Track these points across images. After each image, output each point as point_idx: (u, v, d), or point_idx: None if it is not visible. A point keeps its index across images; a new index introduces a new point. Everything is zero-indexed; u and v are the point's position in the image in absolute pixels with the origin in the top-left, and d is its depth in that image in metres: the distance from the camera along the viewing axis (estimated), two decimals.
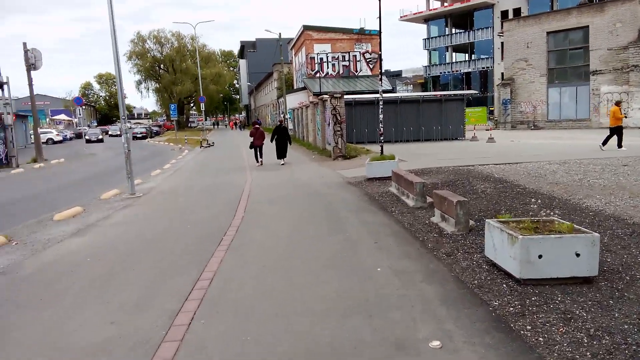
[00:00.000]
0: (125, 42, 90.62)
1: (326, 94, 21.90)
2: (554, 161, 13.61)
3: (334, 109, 18.65)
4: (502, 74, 56.26)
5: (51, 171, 20.94)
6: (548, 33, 38.91)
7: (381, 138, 16.32)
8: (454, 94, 31.22)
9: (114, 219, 9.17)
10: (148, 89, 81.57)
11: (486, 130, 33.20)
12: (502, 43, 56.55)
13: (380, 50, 15.88)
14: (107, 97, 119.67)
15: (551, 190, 9.20)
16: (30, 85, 25.09)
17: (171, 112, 34.77)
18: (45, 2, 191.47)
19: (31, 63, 24.86)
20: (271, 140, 18.44)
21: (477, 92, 42.78)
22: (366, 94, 36.84)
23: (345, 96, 21.13)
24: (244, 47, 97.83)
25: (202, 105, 41.47)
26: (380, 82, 16.68)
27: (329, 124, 21.62)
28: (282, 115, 36.76)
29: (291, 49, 59.90)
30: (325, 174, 14.61)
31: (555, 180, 10.45)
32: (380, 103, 16.40)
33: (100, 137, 50.37)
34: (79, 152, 29.58)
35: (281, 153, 18.27)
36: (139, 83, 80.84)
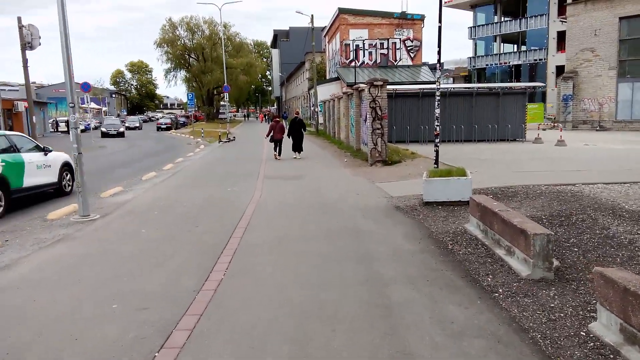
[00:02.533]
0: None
1: (363, 83, 17.98)
2: None
3: (373, 100, 14.70)
4: (557, 67, 50.82)
5: None
6: (621, 19, 33.59)
7: (437, 141, 12.29)
8: (515, 87, 26.69)
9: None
10: (176, 78, 79.11)
11: (542, 129, 28.59)
12: (557, 32, 51.12)
13: (440, 31, 11.83)
14: (138, 86, 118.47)
15: None
16: (25, 67, 22.09)
17: (188, 102, 31.51)
18: None
19: (27, 42, 21.81)
20: (288, 135, 18.43)
21: (543, 84, 37.61)
22: (406, 86, 32.69)
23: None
24: (277, 36, 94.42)
25: (226, 95, 38.14)
26: (438, 68, 12.62)
27: (365, 120, 17.67)
28: (298, 109, 33.03)
29: (324, 36, 55.89)
30: (362, 189, 10.71)
31: None
32: (437, 95, 12.36)
33: (121, 129, 41.76)
34: (86, 145, 26.63)
35: (296, 146, 18.13)
36: (168, 71, 78.42)
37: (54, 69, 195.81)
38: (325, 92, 39.59)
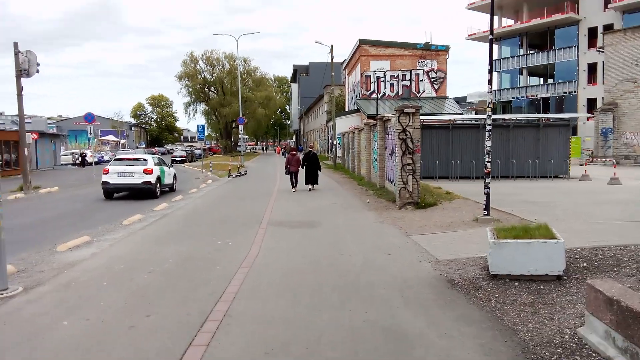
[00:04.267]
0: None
1: (391, 113, 15.63)
2: None
3: (403, 131, 12.20)
4: (588, 100, 47.96)
5: (20, 205, 15.62)
6: None
7: (487, 181, 9.65)
8: (558, 118, 23.95)
9: None
10: (196, 112, 78.28)
11: (579, 165, 25.62)
12: (588, 65, 48.51)
13: (492, 44, 9.58)
14: (158, 119, 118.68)
15: None
16: (20, 96, 20.28)
17: (198, 134, 29.53)
18: (119, 30, 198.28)
19: (23, 69, 20.08)
20: (301, 167, 18.67)
21: (590, 115, 34.66)
22: (433, 116, 30.35)
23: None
24: (297, 71, 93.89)
25: (241, 128, 36.19)
26: (489, 91, 10.10)
27: (391, 154, 15.17)
28: (313, 143, 30.91)
29: (344, 69, 54.27)
30: (394, 246, 8.06)
31: None
32: (487, 124, 9.81)
33: None
34: (90, 179, 24.62)
35: (310, 179, 18.37)
36: (187, 105, 77.74)
37: (84, 103, 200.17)
38: (344, 124, 37.38)
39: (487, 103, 9.93)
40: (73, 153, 47.16)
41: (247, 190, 19.59)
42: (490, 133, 9.79)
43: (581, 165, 24.53)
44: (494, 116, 37.79)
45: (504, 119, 25.76)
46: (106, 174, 16.58)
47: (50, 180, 26.19)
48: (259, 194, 17.58)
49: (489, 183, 9.79)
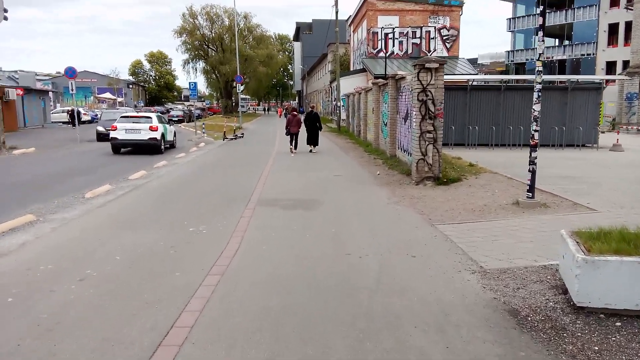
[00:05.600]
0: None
1: (408, 68, 13.44)
2: None
3: (423, 90, 10.07)
4: (607, 62, 45.02)
5: None
6: None
7: (534, 155, 7.64)
8: (587, 80, 21.59)
9: None
10: (196, 70, 75.02)
11: (602, 132, 23.37)
12: (609, 25, 45.30)
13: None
14: (156, 77, 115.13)
15: None
16: None
17: (191, 91, 27.27)
18: None
19: None
20: (303, 126, 18.29)
21: (625, 75, 31.76)
22: (451, 76, 27.91)
23: None
24: (299, 29, 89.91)
25: (238, 86, 33.83)
26: (540, 38, 7.96)
27: (404, 119, 13.08)
28: (315, 103, 28.69)
29: (349, 26, 51.12)
30: (417, 241, 6.12)
31: None
32: (537, 81, 7.72)
33: None
34: (73, 139, 22.60)
35: (311, 139, 18.04)
36: (186, 62, 74.42)
37: (82, 60, 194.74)
38: (348, 85, 34.95)
39: (538, 55, 7.77)
40: (66, 110, 44.60)
41: (241, 155, 17.57)
42: (539, 94, 7.68)
43: (602, 133, 22.38)
44: (515, 77, 34.62)
45: (524, 82, 23.43)
46: (114, 130, 17.60)
47: (32, 139, 24.19)
48: (253, 160, 15.58)
49: (536, 158, 7.76)
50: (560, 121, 19.62)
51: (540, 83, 7.72)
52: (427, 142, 10.24)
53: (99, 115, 30.58)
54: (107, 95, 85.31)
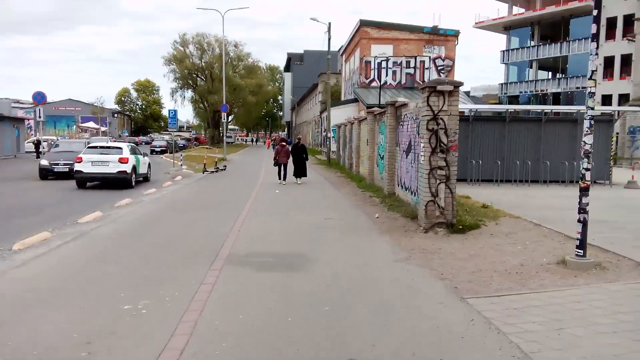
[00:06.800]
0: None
1: (402, 98, 11.73)
2: None
3: (433, 118, 8.33)
4: (603, 96, 44.23)
5: None
6: None
7: (585, 201, 5.86)
8: (600, 112, 20.10)
9: None
10: (184, 98, 73.46)
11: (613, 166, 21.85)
12: (604, 58, 44.77)
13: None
14: (143, 107, 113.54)
15: None
16: None
17: (169, 119, 25.48)
18: (114, 15, 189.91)
19: None
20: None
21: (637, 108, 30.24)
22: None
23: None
24: (291, 59, 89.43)
25: (224, 115, 32.15)
26: (594, 51, 6.32)
27: (406, 152, 11.32)
28: (304, 135, 26.98)
29: (341, 55, 50.15)
30: (447, 331, 4.20)
31: None
32: (587, 105, 6.03)
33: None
34: (28, 172, 20.30)
35: (298, 172, 18.09)
36: (174, 91, 72.87)
37: (71, 88, 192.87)
38: (340, 115, 33.43)
39: (590, 73, 6.11)
40: (31, 141, 41.88)
41: (218, 191, 15.64)
42: (591, 123, 5.96)
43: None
44: (522, 108, 32.67)
45: (532, 114, 21.98)
46: (79, 162, 15.90)
47: None
48: (231, 198, 13.63)
49: (587, 204, 5.96)
50: (569, 156, 18.06)
51: (592, 108, 6.01)
52: (438, 181, 8.43)
53: (52, 145, 23.41)
54: (91, 124, 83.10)
